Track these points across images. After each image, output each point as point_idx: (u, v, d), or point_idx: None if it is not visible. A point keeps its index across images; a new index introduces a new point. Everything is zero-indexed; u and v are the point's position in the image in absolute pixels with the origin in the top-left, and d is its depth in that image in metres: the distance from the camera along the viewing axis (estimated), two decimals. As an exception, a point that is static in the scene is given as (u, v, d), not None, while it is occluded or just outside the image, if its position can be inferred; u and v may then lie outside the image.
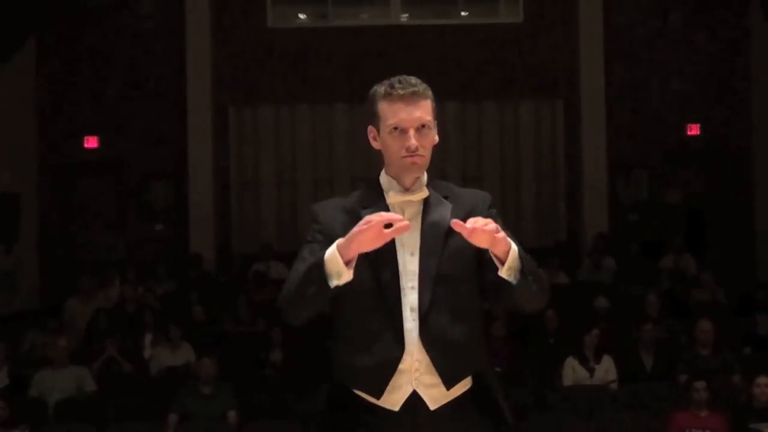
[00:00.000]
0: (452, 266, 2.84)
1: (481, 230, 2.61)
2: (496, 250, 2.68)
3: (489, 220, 2.64)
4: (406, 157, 2.83)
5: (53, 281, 13.15)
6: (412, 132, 2.83)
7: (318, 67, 13.19)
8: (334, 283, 2.66)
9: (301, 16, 14.00)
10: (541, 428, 7.90)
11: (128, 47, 13.52)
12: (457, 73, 13.16)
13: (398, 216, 2.67)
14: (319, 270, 2.66)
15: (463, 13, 13.83)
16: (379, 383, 2.81)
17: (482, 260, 2.84)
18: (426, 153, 2.86)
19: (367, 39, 13.22)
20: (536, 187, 13.68)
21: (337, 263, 2.65)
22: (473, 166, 13.56)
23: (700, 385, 7.69)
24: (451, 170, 13.26)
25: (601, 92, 13.27)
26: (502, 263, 2.69)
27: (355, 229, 2.63)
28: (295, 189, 13.58)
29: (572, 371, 8.83)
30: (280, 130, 13.65)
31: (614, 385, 8.76)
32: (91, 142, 13.52)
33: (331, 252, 2.66)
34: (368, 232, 2.61)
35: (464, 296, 2.86)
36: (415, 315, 2.81)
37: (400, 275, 2.82)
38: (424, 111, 2.86)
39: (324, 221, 2.89)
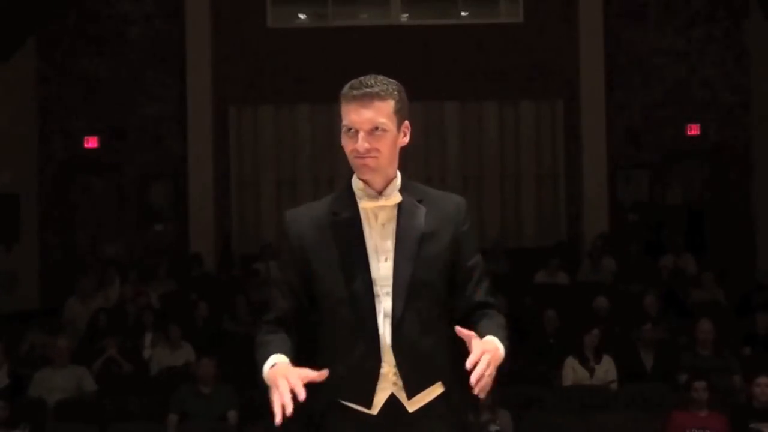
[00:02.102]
0: (426, 273, 2.85)
1: (487, 379, 2.63)
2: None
3: (486, 362, 2.62)
4: (357, 158, 2.81)
5: (53, 281, 13.16)
6: (361, 134, 2.79)
7: (318, 67, 13.18)
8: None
9: (301, 16, 14.01)
10: (541, 428, 7.90)
11: (128, 47, 13.52)
12: (457, 73, 13.16)
13: (301, 379, 2.61)
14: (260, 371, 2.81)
15: (463, 13, 13.83)
16: (366, 394, 2.84)
17: (455, 269, 2.90)
18: (380, 155, 2.81)
19: (367, 39, 13.22)
20: (536, 187, 13.68)
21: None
22: (473, 166, 13.56)
23: (700, 385, 7.68)
24: (451, 170, 13.26)
25: (601, 92, 13.27)
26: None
27: (273, 384, 2.63)
28: (295, 189, 13.58)
29: (572, 371, 8.82)
30: (280, 130, 13.66)
31: (614, 385, 8.75)
32: (91, 142, 13.53)
33: (265, 372, 2.77)
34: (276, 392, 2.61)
35: (434, 304, 2.87)
36: (389, 320, 2.82)
37: (373, 282, 2.83)
38: (377, 112, 2.80)
39: (293, 239, 2.90)
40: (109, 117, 13.50)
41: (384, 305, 2.83)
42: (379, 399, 2.84)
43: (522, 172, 13.64)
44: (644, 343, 9.19)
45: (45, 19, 13.27)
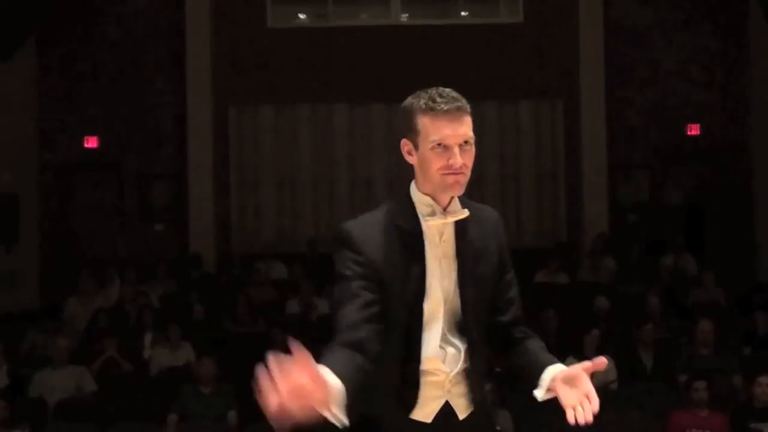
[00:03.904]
0: (483, 292, 2.85)
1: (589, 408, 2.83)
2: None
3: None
4: (448, 174, 2.72)
5: (53, 281, 13.15)
6: (456, 149, 2.73)
7: (318, 67, 13.19)
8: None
9: (301, 16, 14.00)
10: (541, 428, 7.89)
11: (128, 47, 13.52)
12: (457, 73, 13.13)
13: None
14: None
15: (463, 13, 13.83)
16: (404, 406, 2.80)
17: (498, 284, 2.92)
18: (468, 171, 2.76)
19: (367, 39, 13.22)
20: (536, 187, 13.68)
21: None
22: (473, 166, 13.52)
23: (700, 385, 7.69)
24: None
25: (601, 92, 13.27)
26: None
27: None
28: (295, 189, 13.57)
29: (572, 371, 8.81)
30: (280, 130, 13.65)
31: (614, 385, 8.75)
32: (91, 142, 13.53)
33: None
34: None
35: (485, 319, 2.90)
36: (450, 337, 2.80)
37: (438, 301, 2.78)
38: (467, 127, 2.75)
39: (363, 251, 2.68)
40: (109, 117, 13.50)
41: (444, 325, 2.79)
42: (434, 407, 2.82)
43: (522, 172, 13.64)
44: (644, 343, 9.18)
45: (45, 19, 13.27)
